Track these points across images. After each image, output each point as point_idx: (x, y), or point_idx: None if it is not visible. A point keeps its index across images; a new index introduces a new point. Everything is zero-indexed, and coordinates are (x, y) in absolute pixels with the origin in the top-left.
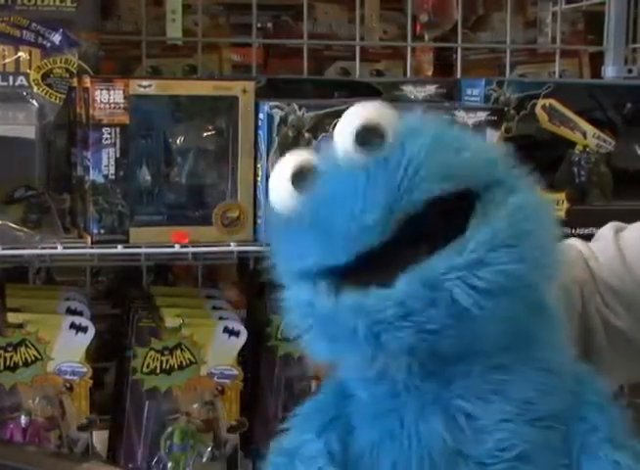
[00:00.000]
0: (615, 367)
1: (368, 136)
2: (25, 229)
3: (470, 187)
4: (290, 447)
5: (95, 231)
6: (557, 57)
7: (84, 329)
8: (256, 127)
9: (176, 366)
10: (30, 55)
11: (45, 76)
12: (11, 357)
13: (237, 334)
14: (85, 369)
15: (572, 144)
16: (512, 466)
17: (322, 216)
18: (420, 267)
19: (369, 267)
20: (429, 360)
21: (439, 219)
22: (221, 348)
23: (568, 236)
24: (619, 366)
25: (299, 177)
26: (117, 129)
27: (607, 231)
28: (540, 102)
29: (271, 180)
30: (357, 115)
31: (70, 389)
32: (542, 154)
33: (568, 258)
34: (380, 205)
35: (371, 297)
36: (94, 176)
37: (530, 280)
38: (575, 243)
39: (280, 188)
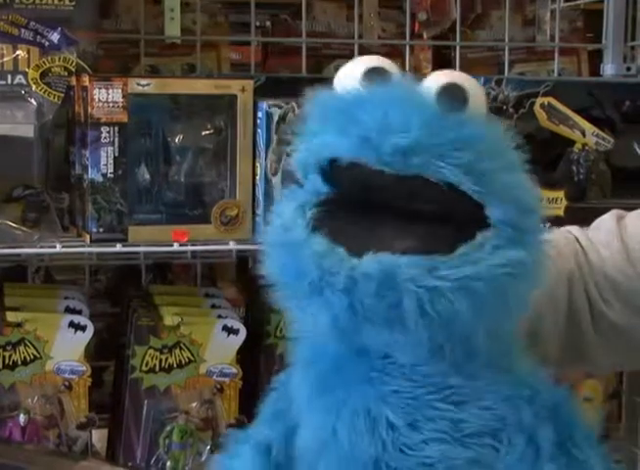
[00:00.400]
0: (599, 358)
1: (452, 93)
2: (24, 228)
3: (487, 209)
4: (248, 433)
5: (94, 230)
6: (556, 55)
7: (83, 328)
8: (255, 126)
9: (175, 365)
10: (29, 53)
11: (43, 75)
12: (10, 356)
13: (236, 332)
14: (84, 368)
15: (571, 142)
16: None
17: (362, 109)
18: (390, 259)
19: (353, 229)
20: (353, 343)
21: (443, 226)
22: (220, 346)
23: None
24: (604, 357)
25: (370, 75)
26: (116, 128)
27: (609, 222)
28: (539, 100)
29: (345, 67)
30: (362, 61)
31: (69, 387)
32: (541, 152)
33: (556, 251)
34: (418, 132)
35: (334, 255)
36: (93, 175)
37: (476, 331)
38: (573, 230)
39: (349, 76)
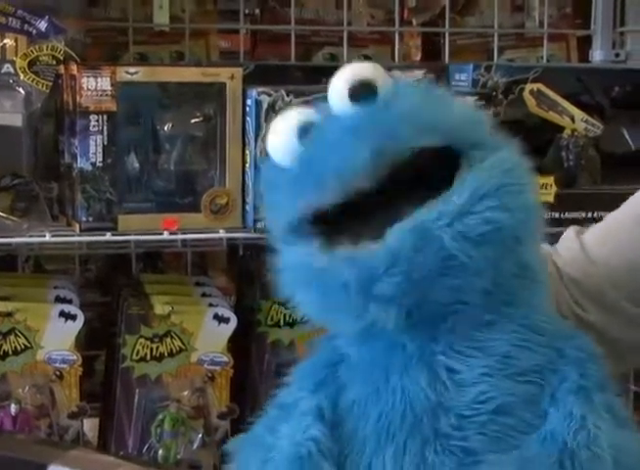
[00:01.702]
0: None
1: (361, 90)
2: (13, 217)
3: (456, 144)
4: (285, 402)
5: (83, 219)
6: (545, 41)
7: (74, 317)
8: (244, 114)
9: (166, 353)
10: (16, 42)
11: (31, 64)
12: (0, 346)
13: (227, 321)
14: (75, 357)
15: (561, 128)
16: (490, 419)
17: (316, 161)
18: (409, 218)
19: (361, 224)
20: (418, 312)
21: (429, 176)
22: (211, 334)
23: (557, 220)
24: None
25: (300, 131)
26: (105, 116)
27: (569, 232)
28: (528, 86)
29: (272, 134)
30: (352, 71)
31: (60, 377)
32: (530, 138)
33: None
34: (370, 147)
35: (361, 249)
36: (82, 164)
37: (514, 231)
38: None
39: (282, 140)
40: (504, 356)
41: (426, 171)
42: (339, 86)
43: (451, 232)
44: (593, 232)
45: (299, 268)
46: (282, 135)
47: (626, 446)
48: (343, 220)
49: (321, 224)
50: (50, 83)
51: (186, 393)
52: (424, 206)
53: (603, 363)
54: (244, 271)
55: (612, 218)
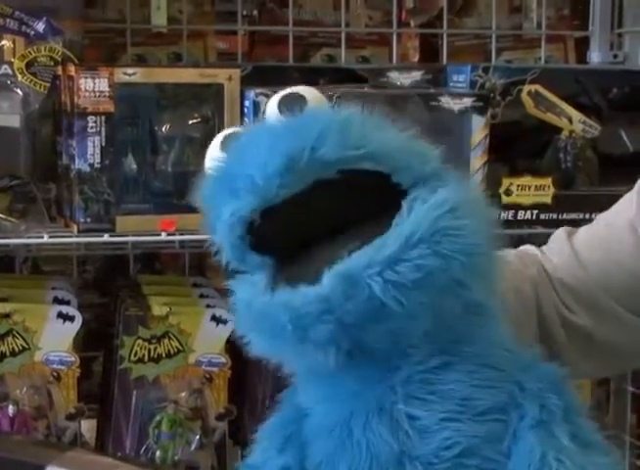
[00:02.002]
0: (577, 364)
1: (291, 103)
2: (11, 219)
3: (397, 176)
4: (254, 463)
5: (81, 220)
6: (542, 42)
7: (71, 318)
8: (242, 115)
9: (164, 355)
10: (14, 43)
11: (29, 65)
12: None
13: (224, 322)
14: (73, 358)
15: (558, 130)
16: (458, 463)
17: (233, 171)
18: (341, 263)
19: (304, 263)
20: (360, 353)
21: (373, 216)
22: (209, 335)
23: (554, 221)
24: (582, 363)
25: (225, 142)
26: (103, 118)
27: (560, 234)
28: (526, 88)
29: (207, 152)
30: (286, 89)
31: (58, 378)
32: (528, 140)
33: (519, 260)
34: (283, 155)
35: (298, 293)
36: (80, 165)
37: (452, 276)
38: (529, 247)
39: (210, 153)
40: (464, 399)
41: (374, 209)
42: (272, 101)
43: (381, 281)
44: (584, 235)
45: (245, 307)
46: (210, 150)
47: None
48: (293, 253)
49: (267, 255)
50: (48, 84)
51: (184, 394)
52: (360, 247)
53: (568, 388)
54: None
55: (603, 221)
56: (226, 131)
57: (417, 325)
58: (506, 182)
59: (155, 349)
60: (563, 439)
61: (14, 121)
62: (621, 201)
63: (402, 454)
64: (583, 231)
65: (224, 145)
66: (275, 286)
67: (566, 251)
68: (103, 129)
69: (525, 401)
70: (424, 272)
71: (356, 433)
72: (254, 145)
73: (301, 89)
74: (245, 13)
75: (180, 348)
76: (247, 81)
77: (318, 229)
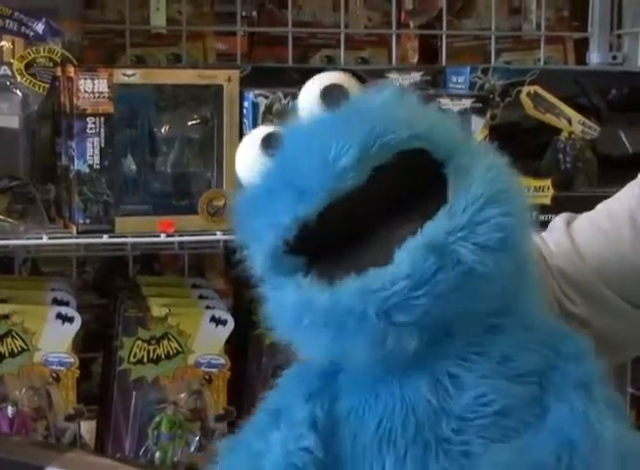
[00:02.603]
0: None
1: (333, 94)
2: (10, 220)
3: (437, 150)
4: (276, 408)
5: (80, 221)
6: (542, 44)
7: (71, 319)
8: (241, 116)
9: (163, 356)
10: (13, 44)
11: (28, 66)
12: None
13: (224, 323)
14: (72, 359)
15: (558, 131)
16: (492, 421)
17: (292, 170)
18: (417, 237)
19: (356, 254)
20: (433, 330)
21: (415, 195)
22: (208, 337)
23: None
24: None
25: (268, 143)
26: (102, 119)
27: (559, 222)
28: (525, 89)
29: (238, 153)
30: (321, 79)
31: (57, 379)
32: (527, 141)
33: None
34: (354, 148)
35: (373, 277)
36: (79, 166)
37: (519, 235)
38: None
39: (248, 157)
40: (503, 359)
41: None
42: (309, 92)
43: (470, 245)
44: (584, 223)
45: (298, 309)
46: (246, 153)
47: (629, 441)
48: (319, 256)
49: (302, 256)
50: (47, 85)
51: (183, 395)
52: (423, 223)
53: (598, 361)
54: (241, 273)
55: (603, 210)
56: (260, 133)
57: (494, 289)
58: None
59: (154, 350)
60: (601, 402)
61: (13, 122)
62: (623, 190)
63: (440, 410)
64: (583, 219)
65: (265, 146)
66: (321, 282)
67: (564, 239)
68: (102, 130)
69: (565, 364)
70: (504, 232)
71: (393, 386)
72: (315, 141)
73: (338, 78)
74: (244, 14)
75: (179, 349)
76: (246, 82)
77: (364, 216)
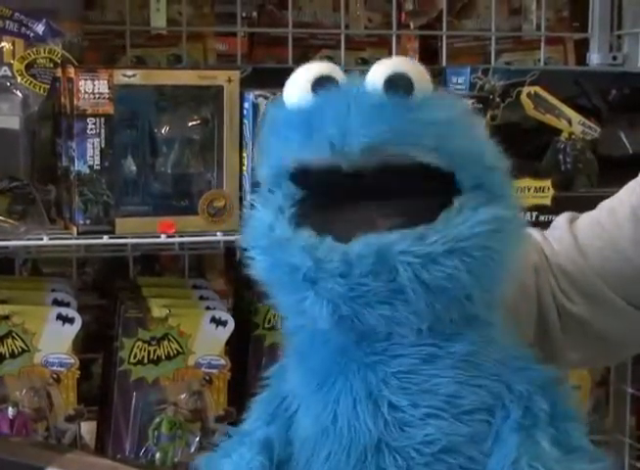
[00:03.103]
0: (565, 352)
1: (399, 82)
2: (11, 220)
3: (460, 175)
4: (244, 429)
5: (81, 222)
6: (542, 44)
7: (71, 320)
8: (242, 117)
9: (164, 356)
10: (14, 45)
11: (29, 67)
12: None
13: (224, 324)
14: (72, 360)
15: (558, 131)
16: (437, 458)
17: (316, 115)
18: (378, 237)
19: (339, 218)
20: (352, 328)
21: (419, 199)
22: (208, 337)
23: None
24: (571, 352)
25: (320, 82)
26: (102, 119)
27: (561, 220)
28: (525, 89)
29: (292, 78)
30: (394, 62)
31: (58, 380)
32: (528, 141)
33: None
34: (370, 129)
35: (324, 245)
36: (79, 167)
37: (470, 293)
38: (532, 232)
39: (297, 86)
40: (449, 396)
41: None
42: (378, 71)
43: (410, 271)
44: (586, 222)
45: (266, 229)
46: (299, 81)
47: None
48: (329, 202)
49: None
50: (47, 86)
51: (183, 396)
52: (401, 229)
53: (560, 392)
54: (241, 274)
55: (605, 208)
56: (320, 68)
57: (416, 321)
58: None
59: (154, 350)
60: (544, 444)
61: (13, 123)
62: (624, 188)
63: (380, 442)
64: (585, 217)
65: (318, 85)
66: (298, 224)
67: (566, 236)
68: (102, 131)
69: (512, 404)
70: (452, 283)
71: (340, 416)
72: (350, 105)
73: (406, 67)
74: (244, 14)
75: (180, 349)
76: (246, 83)
77: (364, 196)
